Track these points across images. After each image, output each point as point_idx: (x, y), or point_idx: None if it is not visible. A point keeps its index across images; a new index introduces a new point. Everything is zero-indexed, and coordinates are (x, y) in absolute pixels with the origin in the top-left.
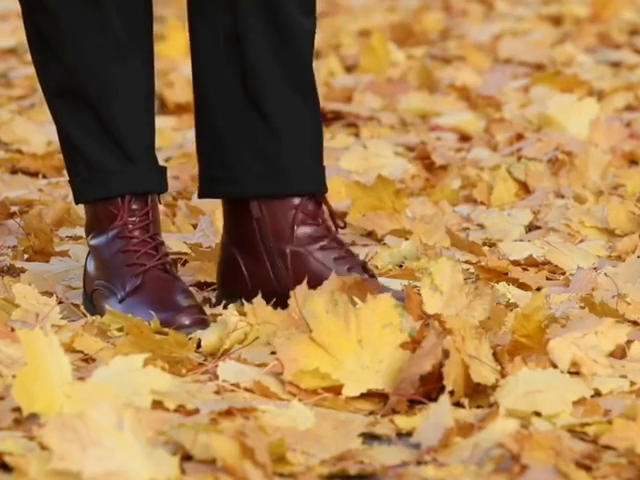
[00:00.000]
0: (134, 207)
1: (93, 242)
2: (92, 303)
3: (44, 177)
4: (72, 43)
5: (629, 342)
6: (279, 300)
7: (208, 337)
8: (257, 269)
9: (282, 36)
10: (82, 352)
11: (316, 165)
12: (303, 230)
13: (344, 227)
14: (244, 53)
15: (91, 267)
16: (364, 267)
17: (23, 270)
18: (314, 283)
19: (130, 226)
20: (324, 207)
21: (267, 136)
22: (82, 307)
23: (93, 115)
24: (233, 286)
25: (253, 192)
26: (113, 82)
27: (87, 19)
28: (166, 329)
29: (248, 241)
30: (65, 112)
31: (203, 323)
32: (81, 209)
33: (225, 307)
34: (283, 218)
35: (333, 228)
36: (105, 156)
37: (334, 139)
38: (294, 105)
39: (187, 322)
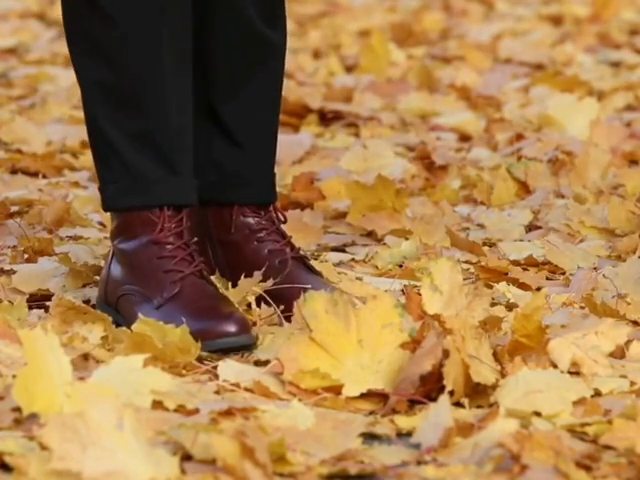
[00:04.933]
0: (169, 214)
1: (122, 246)
2: (116, 309)
3: (44, 177)
4: (126, 47)
5: (629, 342)
6: None
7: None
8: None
9: (244, 43)
10: (82, 352)
11: (268, 176)
12: (243, 220)
13: (284, 222)
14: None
15: (117, 272)
16: (303, 262)
17: (14, 272)
18: (246, 273)
19: (166, 232)
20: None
21: (224, 147)
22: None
23: (142, 122)
24: None
25: (202, 197)
26: (163, 88)
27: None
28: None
29: (197, 231)
30: (109, 117)
31: (248, 330)
32: (82, 209)
33: None
34: (226, 210)
35: (277, 220)
36: (149, 164)
37: (334, 139)
38: (254, 120)
39: (233, 329)
